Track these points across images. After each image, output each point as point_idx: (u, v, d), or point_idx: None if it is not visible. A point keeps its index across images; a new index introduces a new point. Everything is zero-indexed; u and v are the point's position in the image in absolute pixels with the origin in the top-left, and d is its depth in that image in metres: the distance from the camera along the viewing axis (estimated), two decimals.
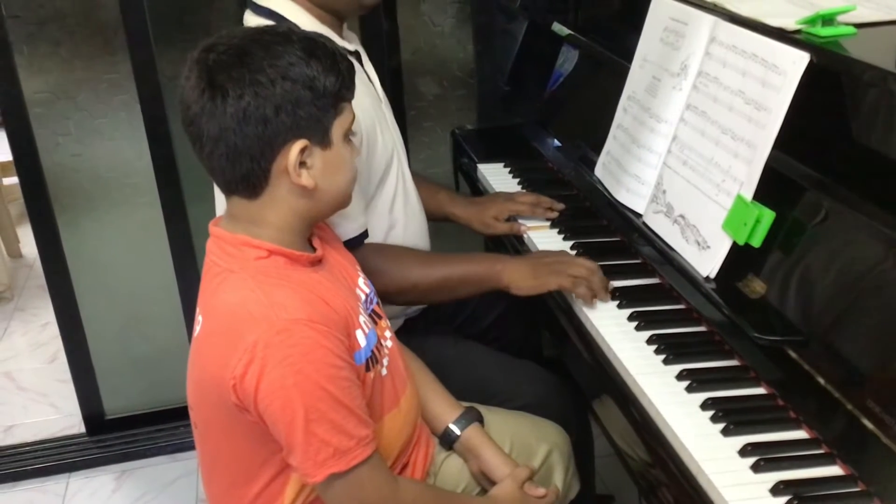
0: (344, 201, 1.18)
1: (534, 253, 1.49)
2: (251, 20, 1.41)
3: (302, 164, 1.08)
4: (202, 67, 1.05)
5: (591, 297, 1.36)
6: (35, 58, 2.05)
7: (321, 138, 1.09)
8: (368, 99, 1.44)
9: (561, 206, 1.67)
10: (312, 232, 1.19)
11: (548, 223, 1.65)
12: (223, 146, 1.06)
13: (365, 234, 1.43)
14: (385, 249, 1.47)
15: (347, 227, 1.38)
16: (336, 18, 1.44)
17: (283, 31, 1.11)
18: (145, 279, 2.28)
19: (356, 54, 1.50)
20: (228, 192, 1.12)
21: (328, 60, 1.08)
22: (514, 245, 1.66)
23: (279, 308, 1.05)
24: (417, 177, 1.70)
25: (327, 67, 1.07)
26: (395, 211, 1.52)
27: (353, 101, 1.14)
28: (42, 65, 2.07)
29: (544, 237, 1.61)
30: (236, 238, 1.11)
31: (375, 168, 1.46)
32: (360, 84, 1.40)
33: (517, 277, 1.41)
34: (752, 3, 1.35)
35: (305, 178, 1.08)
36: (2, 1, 1.96)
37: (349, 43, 1.47)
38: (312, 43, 1.09)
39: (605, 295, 1.37)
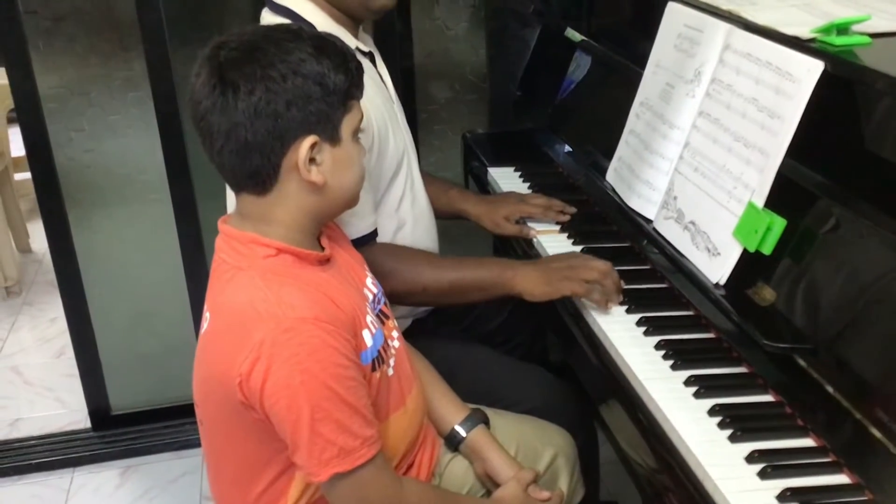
0: (352, 200, 1.18)
1: (545, 258, 1.48)
2: (268, 18, 1.42)
3: (311, 160, 1.08)
4: (213, 64, 1.06)
5: (605, 303, 1.35)
6: (50, 53, 2.06)
7: (331, 135, 1.09)
8: (381, 99, 1.45)
9: (573, 209, 1.67)
10: (321, 231, 1.19)
11: (557, 227, 1.65)
12: (234, 142, 1.06)
13: (374, 234, 1.43)
14: (397, 251, 1.47)
15: (357, 225, 1.38)
16: (351, 20, 1.45)
17: (293, 28, 1.12)
18: (154, 276, 2.28)
19: (370, 55, 1.50)
20: (238, 188, 1.13)
21: (337, 58, 1.09)
22: (522, 247, 1.66)
23: (287, 306, 1.05)
24: (428, 175, 1.70)
25: (337, 65, 1.08)
26: (402, 211, 1.53)
27: (366, 101, 1.15)
28: (57, 60, 2.08)
29: (554, 241, 1.61)
30: (245, 235, 1.12)
31: (387, 168, 1.46)
32: (372, 84, 1.40)
33: (529, 284, 1.40)
34: (767, 11, 1.35)
35: (315, 175, 1.09)
36: None
37: (364, 44, 1.48)
38: (322, 41, 1.10)
39: (617, 298, 1.37)
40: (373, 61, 1.52)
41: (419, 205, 1.57)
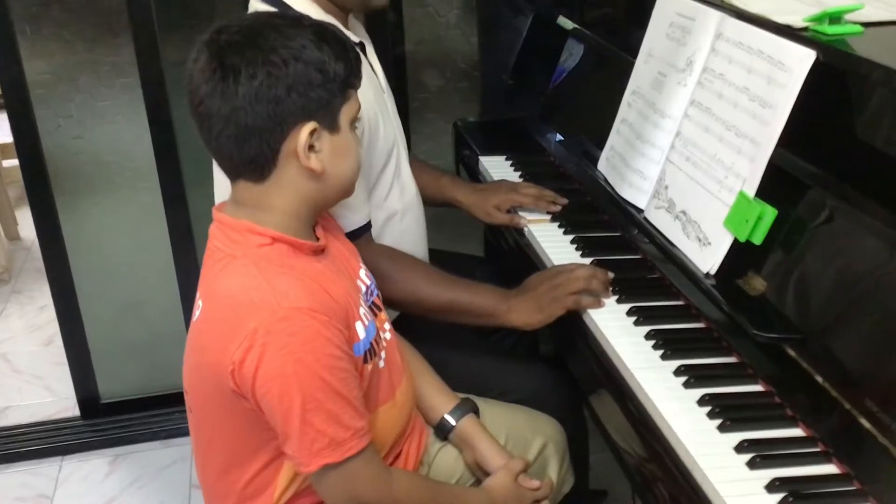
0: (349, 189, 1.18)
1: (528, 281, 1.43)
2: (256, 6, 1.41)
3: (310, 147, 1.08)
4: (213, 48, 1.05)
5: (598, 304, 1.35)
6: (38, 39, 2.05)
7: (330, 122, 1.09)
8: (371, 90, 1.44)
9: (564, 200, 1.66)
10: (316, 221, 1.19)
11: (548, 217, 1.65)
12: (233, 126, 1.05)
13: (368, 226, 1.43)
14: (396, 256, 1.46)
15: (352, 218, 1.38)
16: (341, 10, 1.44)
17: (294, 15, 1.13)
18: (143, 264, 2.27)
19: (360, 45, 1.49)
20: (235, 175, 1.12)
21: (338, 47, 1.09)
22: (513, 236, 1.66)
23: (281, 295, 1.04)
24: (420, 163, 1.69)
25: (337, 53, 1.08)
26: (391, 202, 1.52)
27: (358, 92, 1.14)
28: (45, 46, 2.06)
29: (545, 231, 1.61)
30: (240, 224, 1.11)
31: (376, 159, 1.46)
32: (363, 76, 1.40)
33: (524, 316, 1.38)
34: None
35: (314, 162, 1.09)
36: None
37: (354, 34, 1.47)
38: (323, 29, 1.10)
39: (607, 294, 1.37)
40: (363, 51, 1.51)
41: (408, 195, 1.56)
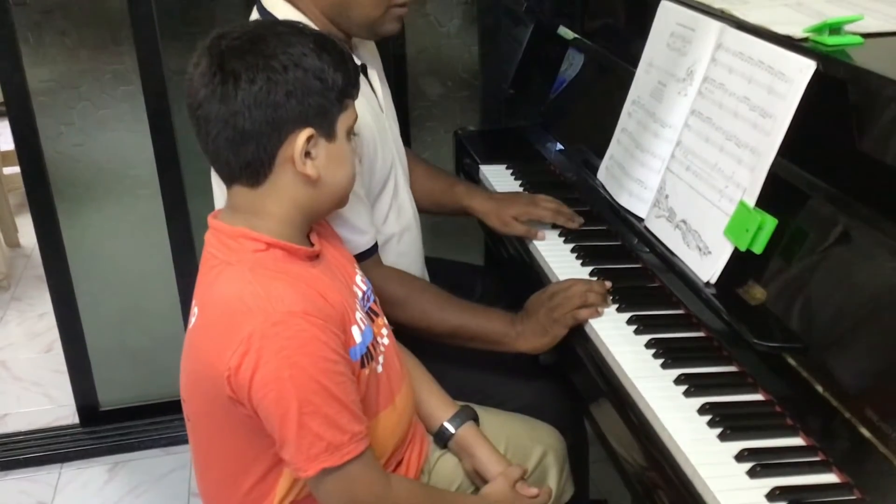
0: (343, 198, 1.18)
1: (529, 305, 1.42)
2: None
3: (307, 154, 1.09)
4: (214, 52, 1.06)
5: (595, 313, 1.35)
6: (40, 46, 2.05)
7: (327, 130, 1.10)
8: (370, 113, 1.43)
9: (581, 220, 1.62)
10: (311, 228, 1.19)
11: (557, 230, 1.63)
12: (230, 130, 1.06)
13: (375, 247, 1.43)
14: (407, 281, 1.46)
15: (359, 240, 1.38)
16: (343, 34, 1.44)
17: (295, 24, 1.13)
18: (144, 271, 2.27)
19: (362, 67, 1.49)
20: (230, 180, 1.12)
21: (337, 56, 1.10)
22: (514, 245, 1.65)
23: (276, 300, 1.05)
24: (433, 169, 1.68)
25: (336, 63, 1.09)
26: (388, 225, 1.52)
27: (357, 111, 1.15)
28: (47, 54, 2.07)
29: (546, 240, 1.61)
30: (235, 230, 1.12)
31: (376, 182, 1.46)
32: (362, 98, 1.40)
33: (532, 341, 1.38)
34: (760, 10, 1.36)
35: (310, 168, 1.09)
36: None
37: (355, 56, 1.47)
38: (323, 38, 1.11)
39: (607, 303, 1.36)
40: (364, 73, 1.50)
41: (405, 217, 1.56)
